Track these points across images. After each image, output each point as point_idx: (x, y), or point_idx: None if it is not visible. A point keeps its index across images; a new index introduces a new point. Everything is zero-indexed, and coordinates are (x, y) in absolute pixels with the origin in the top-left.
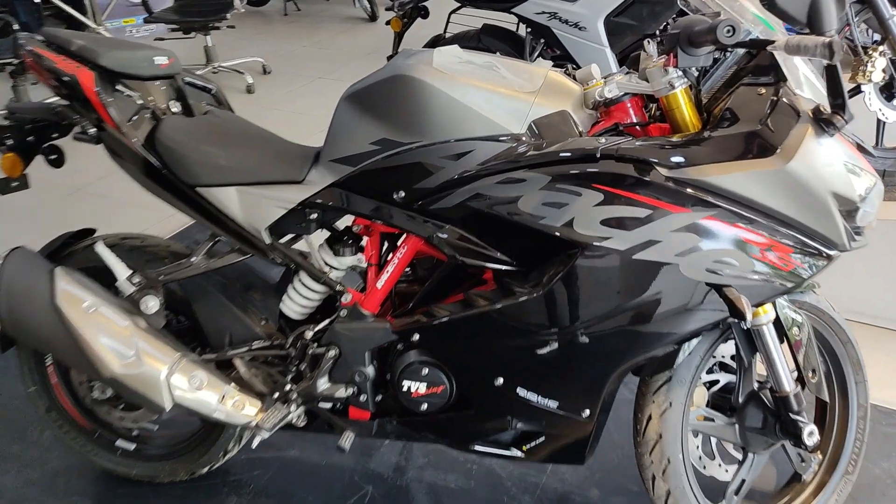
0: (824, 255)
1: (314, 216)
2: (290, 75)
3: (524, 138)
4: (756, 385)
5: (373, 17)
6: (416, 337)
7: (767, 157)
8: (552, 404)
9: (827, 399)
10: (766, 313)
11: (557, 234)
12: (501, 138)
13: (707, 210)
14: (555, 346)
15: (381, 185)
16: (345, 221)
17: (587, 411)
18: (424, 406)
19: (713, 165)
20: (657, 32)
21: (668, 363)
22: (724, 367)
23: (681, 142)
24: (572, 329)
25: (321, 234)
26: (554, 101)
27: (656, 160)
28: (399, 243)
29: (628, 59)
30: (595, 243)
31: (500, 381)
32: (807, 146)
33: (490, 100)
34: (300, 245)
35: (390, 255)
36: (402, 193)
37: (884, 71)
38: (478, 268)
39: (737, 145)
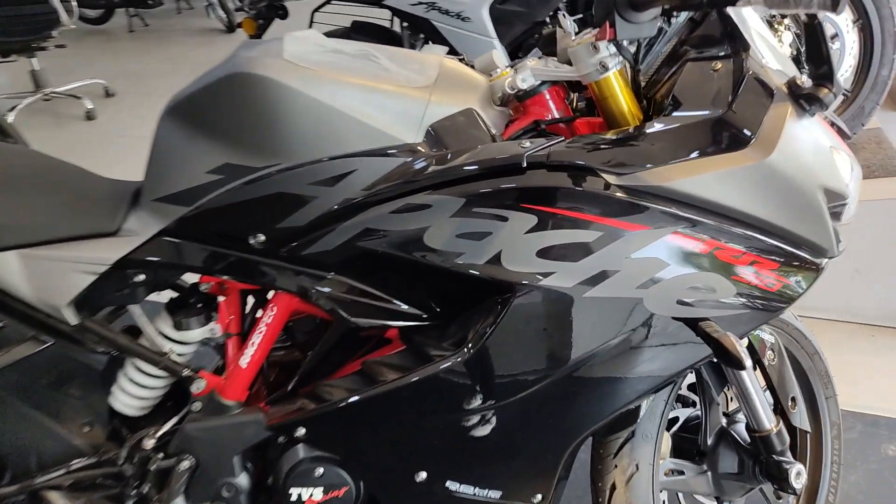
0: (814, 266)
1: (140, 279)
2: (137, 97)
3: (421, 149)
4: (724, 421)
5: (230, 28)
6: (302, 430)
7: (741, 150)
8: (494, 495)
9: (809, 429)
10: None
11: (481, 274)
12: (391, 151)
13: (671, 224)
14: (491, 422)
15: (230, 227)
16: (190, 278)
17: (539, 496)
18: None
19: (673, 166)
20: (547, 19)
21: (631, 419)
22: (680, 398)
23: (626, 137)
24: (513, 398)
25: (155, 301)
26: (455, 98)
27: (599, 165)
28: (266, 303)
29: (530, 43)
30: (533, 282)
31: (423, 475)
32: (789, 132)
33: (370, 100)
34: (127, 316)
35: (255, 321)
36: (261, 237)
37: (791, 46)
38: (377, 326)
39: (700, 138)
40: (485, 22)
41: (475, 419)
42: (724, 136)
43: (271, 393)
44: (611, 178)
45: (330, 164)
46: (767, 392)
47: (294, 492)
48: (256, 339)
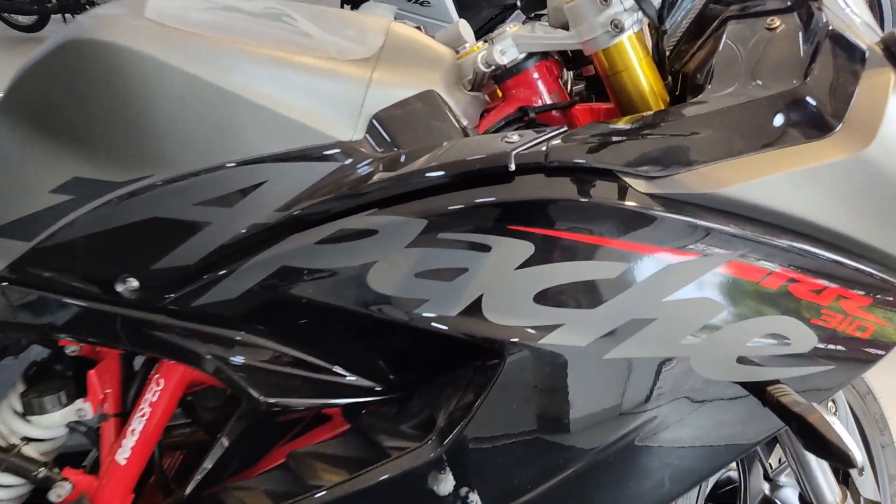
0: None
1: None
2: None
3: (361, 149)
4: (767, 487)
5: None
6: None
7: (824, 139)
8: None
9: (879, 499)
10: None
11: (452, 330)
12: (316, 153)
13: (727, 248)
14: None
15: (87, 269)
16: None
17: None
18: None
19: (726, 165)
20: (517, 2)
21: None
22: None
23: (652, 127)
24: None
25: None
26: (409, 76)
27: (621, 166)
28: (151, 373)
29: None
30: (529, 341)
31: None
32: (894, 111)
33: (284, 80)
34: None
35: (139, 396)
36: (133, 282)
37: None
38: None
39: (762, 124)
40: (447, 7)
41: None
42: (799, 120)
43: (166, 495)
44: (638, 185)
45: (227, 175)
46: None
47: None
48: (138, 424)
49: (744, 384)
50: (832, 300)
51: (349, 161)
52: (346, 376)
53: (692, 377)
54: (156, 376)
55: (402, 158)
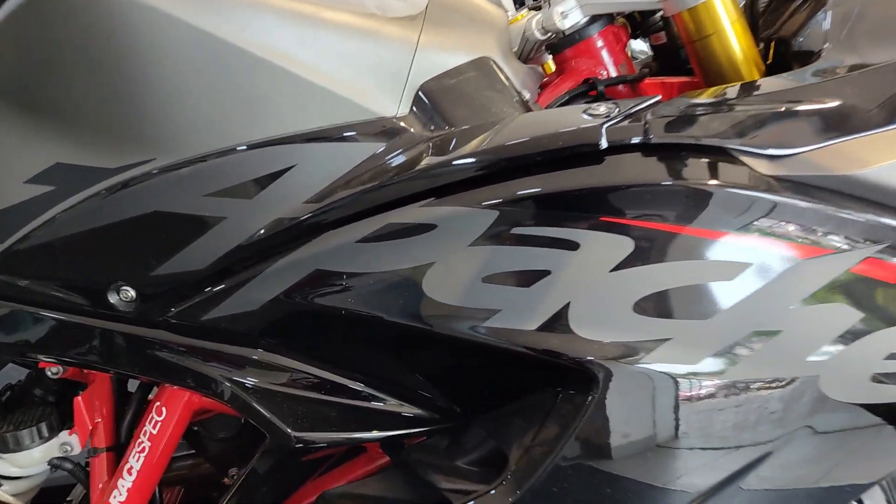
0: None
1: None
2: None
3: (408, 126)
4: None
5: None
6: None
7: None
8: None
9: None
10: None
11: (531, 348)
12: (354, 133)
13: (865, 243)
14: None
15: (74, 275)
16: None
17: None
18: None
19: (866, 140)
20: None
21: None
22: None
23: (769, 96)
24: None
25: None
26: (460, 39)
27: (739, 143)
28: (152, 400)
29: None
30: (631, 361)
31: None
32: None
33: (314, 41)
34: None
35: (137, 428)
36: (128, 291)
37: None
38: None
39: None
40: None
41: None
42: None
43: None
44: (759, 165)
45: (245, 159)
46: None
47: None
48: (135, 461)
49: (878, 407)
50: None
51: (394, 141)
52: (388, 402)
53: (819, 401)
54: (156, 404)
55: (459, 138)
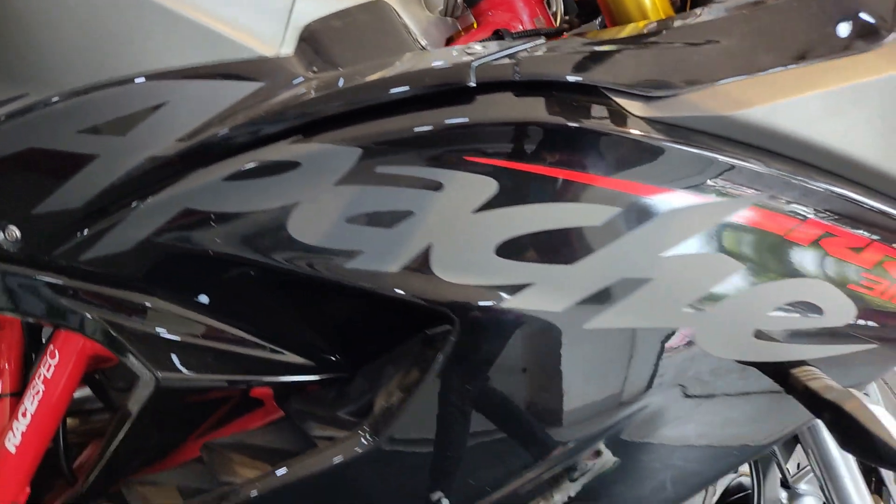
0: None
1: None
2: None
3: (290, 66)
4: (785, 496)
5: None
6: None
7: (872, 51)
8: None
9: None
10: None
11: (394, 291)
12: (232, 71)
13: (748, 190)
14: None
15: None
16: None
17: None
18: None
19: (746, 82)
20: None
21: None
22: None
23: (652, 36)
24: None
25: None
26: None
27: (612, 82)
28: (45, 344)
29: None
30: (491, 303)
31: None
32: None
33: None
34: None
35: (34, 370)
36: (14, 231)
37: None
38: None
39: (791, 31)
40: None
41: None
42: (837, 27)
43: (86, 479)
44: (633, 107)
45: (118, 95)
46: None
47: None
48: (30, 404)
49: (762, 366)
50: (877, 262)
51: (274, 81)
52: (270, 350)
53: (697, 356)
54: (51, 348)
55: (339, 78)
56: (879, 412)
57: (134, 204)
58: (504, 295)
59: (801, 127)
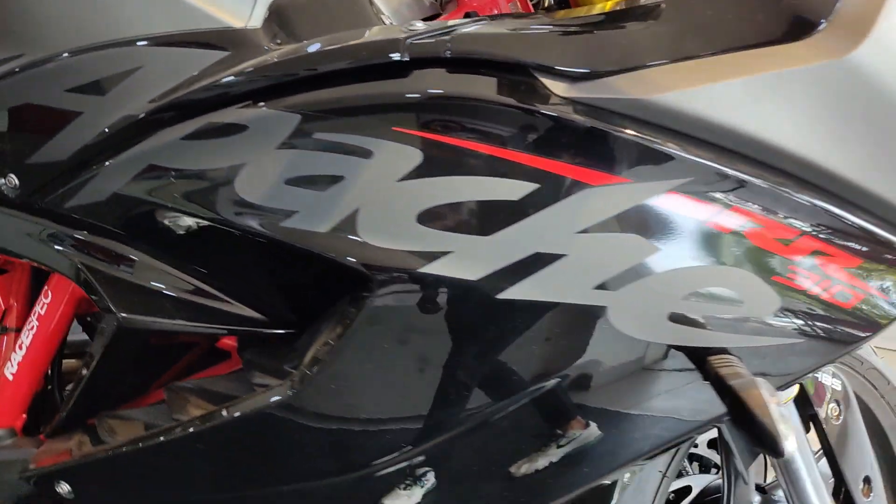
0: None
1: None
2: None
3: (255, 38)
4: (757, 500)
5: None
6: (65, 486)
7: (802, 40)
8: None
9: None
10: None
11: (323, 251)
12: (202, 40)
13: (667, 174)
14: None
15: None
16: None
17: None
18: None
19: (673, 67)
20: None
21: (604, 497)
22: (696, 458)
23: (591, 20)
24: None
25: None
26: None
27: (540, 61)
28: (45, 289)
29: None
30: (409, 269)
31: None
32: (893, 8)
33: None
34: None
35: (32, 311)
36: (13, 179)
37: None
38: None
39: (723, 20)
40: None
41: (323, 495)
42: (771, 17)
43: (64, 418)
44: (557, 87)
45: (100, 58)
46: (824, 461)
47: None
48: (26, 338)
49: (681, 350)
50: (805, 254)
51: (240, 51)
52: (226, 302)
53: (609, 334)
54: (46, 288)
55: (294, 50)
56: (773, 402)
57: (110, 159)
58: (423, 261)
59: (720, 112)
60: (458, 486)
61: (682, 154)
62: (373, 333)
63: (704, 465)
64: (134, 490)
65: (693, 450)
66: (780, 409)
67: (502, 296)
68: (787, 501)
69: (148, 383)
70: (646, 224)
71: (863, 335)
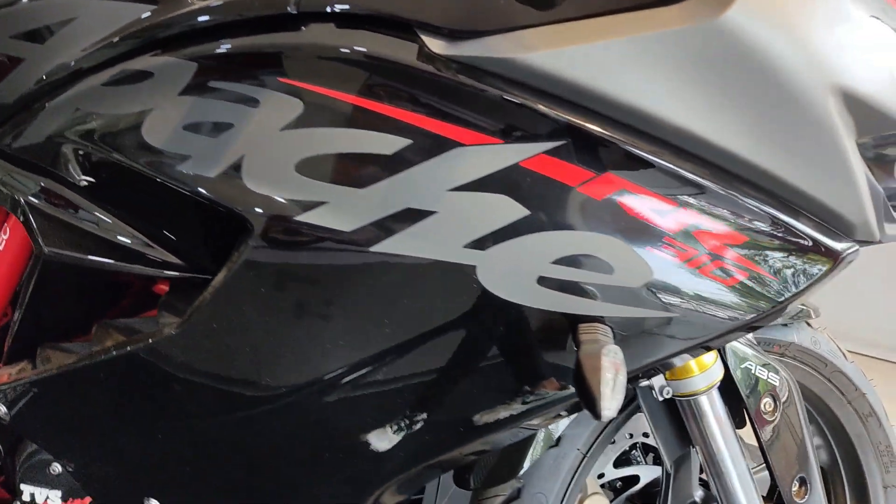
0: (822, 248)
1: None
2: None
3: None
4: (699, 494)
5: None
6: (2, 409)
7: (672, 6)
8: None
9: None
10: (707, 369)
11: (212, 195)
12: None
13: (542, 138)
14: (240, 441)
15: None
16: None
17: None
18: None
19: (543, 30)
20: None
21: (514, 465)
22: (650, 449)
23: None
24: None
25: None
26: None
27: (422, 18)
28: (4, 226)
29: None
30: (286, 215)
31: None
32: None
33: None
34: None
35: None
36: None
37: None
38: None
39: None
40: None
41: (211, 429)
42: None
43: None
44: (434, 44)
45: (40, 7)
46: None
47: (26, 490)
48: None
49: (552, 315)
50: (683, 227)
51: (164, 5)
52: (145, 244)
53: (478, 293)
54: (4, 226)
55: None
56: (609, 368)
57: (44, 104)
58: (299, 209)
59: (587, 74)
60: (318, 432)
61: (556, 116)
62: (251, 279)
63: (658, 458)
64: (62, 414)
65: (645, 440)
66: (615, 378)
67: (375, 248)
68: (717, 495)
69: (91, 322)
70: (517, 185)
71: (745, 316)
